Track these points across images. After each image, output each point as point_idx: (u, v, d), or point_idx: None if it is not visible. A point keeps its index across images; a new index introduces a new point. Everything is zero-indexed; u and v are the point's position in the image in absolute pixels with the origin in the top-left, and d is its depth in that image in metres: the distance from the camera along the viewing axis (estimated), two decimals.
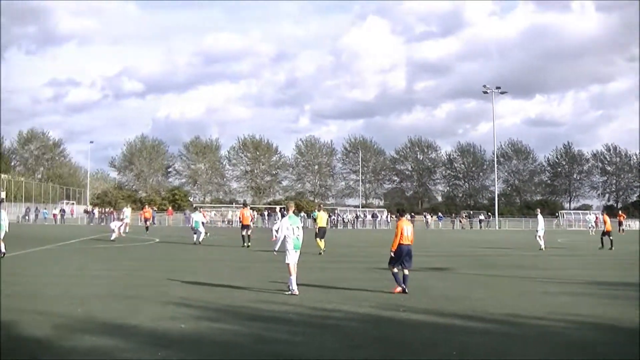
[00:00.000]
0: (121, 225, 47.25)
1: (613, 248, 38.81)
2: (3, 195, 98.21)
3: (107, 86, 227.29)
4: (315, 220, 36.75)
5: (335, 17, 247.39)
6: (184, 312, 13.67)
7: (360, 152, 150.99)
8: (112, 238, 40.25)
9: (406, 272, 17.53)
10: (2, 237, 26.84)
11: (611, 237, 39.75)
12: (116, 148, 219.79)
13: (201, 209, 48.82)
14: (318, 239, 33.07)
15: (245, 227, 37.71)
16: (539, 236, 38.43)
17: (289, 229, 17.69)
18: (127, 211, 53.09)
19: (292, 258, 17.60)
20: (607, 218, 41.89)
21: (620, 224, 72.08)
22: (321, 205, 42.47)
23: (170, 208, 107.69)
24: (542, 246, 37.97)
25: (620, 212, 79.82)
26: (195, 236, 39.85)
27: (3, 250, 26.45)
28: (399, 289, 17.27)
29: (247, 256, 30.82)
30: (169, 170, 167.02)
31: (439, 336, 11.69)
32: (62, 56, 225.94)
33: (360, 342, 11.12)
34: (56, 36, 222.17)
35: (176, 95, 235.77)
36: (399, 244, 17.57)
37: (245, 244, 36.36)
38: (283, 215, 21.07)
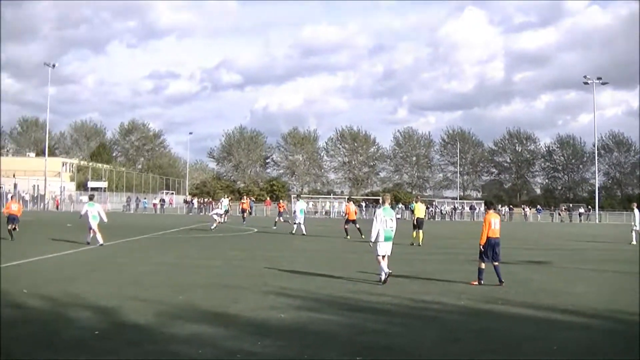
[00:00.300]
0: (223, 215, 47.91)
1: None
2: (105, 184, 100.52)
3: (206, 78, 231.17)
4: (413, 211, 36.57)
5: (433, 9, 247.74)
6: (283, 301, 13.78)
7: (458, 144, 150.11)
8: (213, 227, 40.66)
9: (496, 264, 17.57)
10: (96, 228, 27.57)
11: None
12: (215, 139, 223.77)
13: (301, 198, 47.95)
14: (415, 231, 32.99)
15: (351, 221, 37.21)
16: (635, 230, 37.75)
17: (383, 221, 17.71)
18: (225, 201, 53.64)
19: (382, 249, 17.72)
20: None
21: None
22: (419, 197, 42.54)
23: (268, 199, 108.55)
24: (634, 241, 37.26)
25: None
26: (295, 226, 39.77)
27: (100, 241, 27.09)
28: (476, 282, 17.39)
29: (344, 247, 30.84)
30: (267, 161, 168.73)
31: (538, 330, 11.51)
32: (162, 49, 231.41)
33: (459, 335, 11.04)
34: (157, 30, 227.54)
35: (274, 87, 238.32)
36: (488, 237, 17.67)
37: (347, 236, 36.02)
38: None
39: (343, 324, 11.66)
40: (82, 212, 28.94)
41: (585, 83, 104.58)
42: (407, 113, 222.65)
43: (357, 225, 36.98)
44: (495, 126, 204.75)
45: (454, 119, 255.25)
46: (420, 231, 32.77)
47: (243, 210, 54.40)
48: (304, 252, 27.56)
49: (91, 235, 27.75)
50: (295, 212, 41.57)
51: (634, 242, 36.99)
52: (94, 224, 27.76)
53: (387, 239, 17.71)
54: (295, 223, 40.03)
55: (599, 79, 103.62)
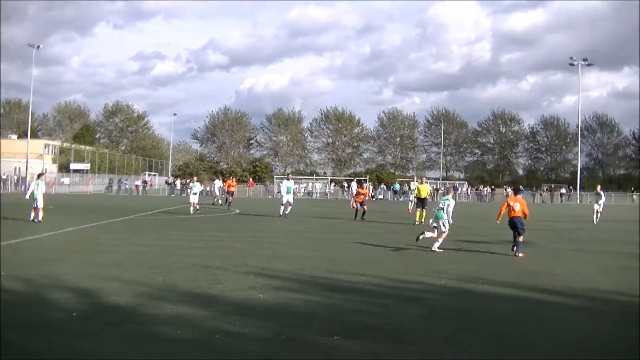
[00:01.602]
0: (215, 198, 47.82)
1: None
2: (88, 166, 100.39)
3: (193, 59, 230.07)
4: (415, 191, 37.79)
5: None
6: (263, 282, 13.78)
7: (442, 125, 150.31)
8: (192, 212, 39.89)
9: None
10: (39, 207, 27.76)
11: None
12: (199, 120, 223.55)
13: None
14: (418, 210, 34.54)
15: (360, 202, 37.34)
16: (597, 210, 38.84)
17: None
18: (197, 185, 52.77)
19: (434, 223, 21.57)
20: None
21: None
22: (423, 178, 43.31)
23: (251, 180, 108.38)
24: (595, 220, 38.27)
25: None
26: (282, 207, 38.43)
27: (39, 218, 27.87)
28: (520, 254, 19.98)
29: (326, 228, 30.97)
30: (251, 142, 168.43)
31: (518, 309, 11.60)
32: (149, 30, 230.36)
33: (439, 314, 11.09)
34: (144, 11, 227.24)
35: (261, 68, 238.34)
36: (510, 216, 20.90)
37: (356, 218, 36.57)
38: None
39: (322, 304, 11.69)
40: (29, 191, 29.25)
41: (571, 64, 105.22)
42: (393, 94, 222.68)
43: (365, 207, 37.11)
44: (481, 107, 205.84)
45: (439, 99, 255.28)
46: (424, 210, 33.92)
47: (229, 192, 53.10)
48: (286, 233, 27.51)
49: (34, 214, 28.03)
50: (282, 192, 40.50)
51: (595, 222, 38.04)
52: (40, 201, 28.02)
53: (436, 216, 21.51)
54: (284, 204, 38.62)
55: (584, 60, 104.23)
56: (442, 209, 21.48)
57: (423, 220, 33.30)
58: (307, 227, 31.07)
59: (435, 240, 21.05)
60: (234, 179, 57.94)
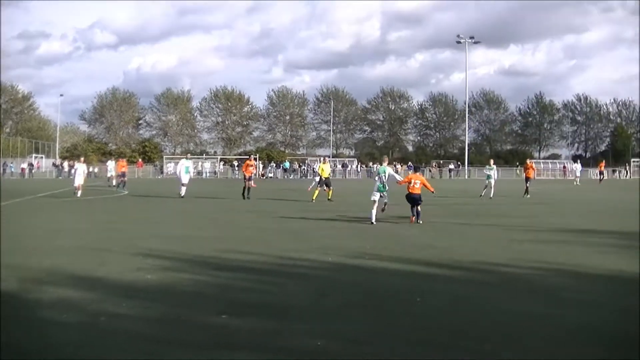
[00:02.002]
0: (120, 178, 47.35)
1: (527, 195, 40.25)
2: None
3: (79, 38, 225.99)
4: (318, 171, 38.21)
5: None
6: (151, 263, 13.65)
7: (332, 102, 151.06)
8: (79, 194, 38.76)
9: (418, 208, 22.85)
10: None
11: (528, 185, 41.34)
12: (87, 101, 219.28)
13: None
14: (318, 189, 35.56)
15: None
16: (490, 184, 39.83)
17: (380, 176, 23.47)
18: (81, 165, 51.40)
19: (374, 197, 22.94)
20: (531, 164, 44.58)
21: (601, 173, 73.28)
22: (326, 159, 44.69)
23: (140, 160, 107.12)
24: (483, 194, 39.63)
25: (602, 161, 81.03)
26: (184, 188, 37.76)
27: None
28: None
29: (217, 207, 30.90)
30: (140, 122, 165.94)
31: (403, 283, 11.78)
32: (34, 8, 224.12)
33: (326, 290, 11.17)
34: None
35: (149, 47, 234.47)
36: (409, 192, 23.17)
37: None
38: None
39: (210, 283, 11.69)
40: None
41: (458, 42, 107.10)
42: (283, 72, 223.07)
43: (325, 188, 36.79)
44: (370, 85, 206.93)
45: (329, 77, 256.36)
46: (330, 189, 35.75)
47: (122, 174, 51.80)
48: (176, 213, 27.40)
49: None
50: (179, 172, 39.58)
51: (482, 195, 39.56)
52: None
53: (379, 189, 23.17)
54: (185, 184, 37.99)
55: (471, 38, 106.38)
56: (383, 182, 23.30)
57: (330, 197, 34.85)
58: (196, 207, 30.94)
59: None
60: (123, 160, 56.85)
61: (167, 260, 14.05)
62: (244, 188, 36.58)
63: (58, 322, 8.94)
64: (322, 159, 44.28)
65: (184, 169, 38.85)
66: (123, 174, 50.52)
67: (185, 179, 38.24)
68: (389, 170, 24.02)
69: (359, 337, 8.23)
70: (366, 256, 14.67)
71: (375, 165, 26.98)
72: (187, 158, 41.54)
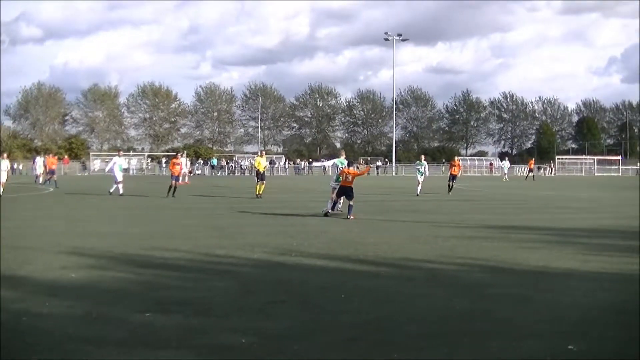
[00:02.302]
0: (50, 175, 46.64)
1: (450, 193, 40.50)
2: None
3: (4, 31, 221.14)
4: (255, 165, 39.37)
5: None
6: (75, 261, 13.45)
7: (260, 99, 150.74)
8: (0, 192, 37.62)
9: (350, 202, 23.92)
10: None
11: (451, 183, 41.62)
12: (11, 96, 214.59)
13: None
14: (258, 183, 35.81)
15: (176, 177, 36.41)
16: (420, 181, 39.59)
17: (338, 167, 26.44)
18: (39, 161, 49.69)
19: (333, 185, 25.74)
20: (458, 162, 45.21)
21: (530, 170, 74.61)
22: (263, 152, 45.03)
23: (66, 157, 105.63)
24: (419, 192, 39.01)
25: (532, 159, 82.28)
26: (116, 186, 36.82)
27: None
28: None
29: (143, 204, 30.66)
30: (66, 118, 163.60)
31: (329, 280, 11.75)
32: None
33: (251, 287, 11.11)
34: None
35: (76, 42, 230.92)
36: (342, 185, 24.56)
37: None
38: None
39: (135, 281, 11.54)
40: None
41: (386, 39, 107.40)
42: (211, 68, 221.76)
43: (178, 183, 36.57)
44: (298, 81, 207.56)
45: (257, 74, 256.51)
46: (263, 183, 35.88)
47: (51, 171, 50.66)
48: (101, 210, 27.07)
49: None
50: (113, 169, 38.13)
51: (418, 194, 38.71)
52: None
53: (337, 180, 25.44)
54: (120, 182, 37.00)
55: (399, 35, 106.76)
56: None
57: (261, 192, 35.05)
58: (122, 204, 30.54)
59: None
60: (53, 156, 55.67)
61: (91, 258, 13.83)
62: (170, 187, 35.96)
63: None
64: (259, 152, 44.89)
65: (117, 167, 38.00)
66: (52, 171, 49.47)
67: (119, 176, 37.47)
68: (345, 162, 26.91)
69: (283, 334, 8.18)
70: (292, 253, 14.65)
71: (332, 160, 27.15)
72: (119, 155, 41.04)
